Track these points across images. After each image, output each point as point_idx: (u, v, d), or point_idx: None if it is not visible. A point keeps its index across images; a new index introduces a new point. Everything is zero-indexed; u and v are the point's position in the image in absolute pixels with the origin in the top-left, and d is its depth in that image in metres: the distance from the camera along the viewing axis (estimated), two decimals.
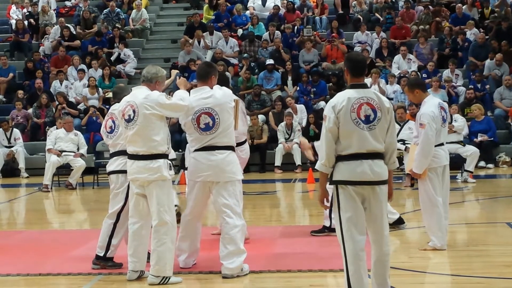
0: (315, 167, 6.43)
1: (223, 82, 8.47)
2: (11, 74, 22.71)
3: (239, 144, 9.13)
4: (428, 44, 22.03)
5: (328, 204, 6.55)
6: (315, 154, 9.23)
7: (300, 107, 19.72)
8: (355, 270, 6.20)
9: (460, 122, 16.07)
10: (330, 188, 6.35)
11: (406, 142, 15.51)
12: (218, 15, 24.73)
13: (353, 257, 6.21)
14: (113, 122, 8.27)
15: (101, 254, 8.26)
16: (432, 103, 8.86)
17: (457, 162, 15.95)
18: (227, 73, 20.95)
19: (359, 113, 6.19)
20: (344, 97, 6.25)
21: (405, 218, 10.91)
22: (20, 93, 21.22)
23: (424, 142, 8.66)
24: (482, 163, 17.70)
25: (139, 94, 7.61)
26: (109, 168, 8.34)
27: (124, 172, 7.90)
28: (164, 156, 7.56)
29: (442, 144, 8.95)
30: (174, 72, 8.45)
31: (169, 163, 7.61)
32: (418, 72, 20.89)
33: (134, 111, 7.53)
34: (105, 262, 8.26)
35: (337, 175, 6.24)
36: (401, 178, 15.76)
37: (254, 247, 9.12)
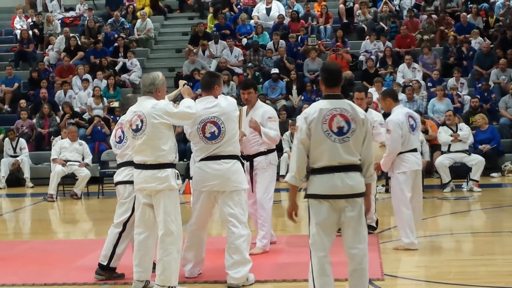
0: (285, 179, 6.38)
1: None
2: (16, 84, 22.74)
3: (271, 151, 9.54)
4: (432, 54, 21.96)
5: (297, 219, 6.41)
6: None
7: None
8: (320, 286, 6.14)
9: (465, 131, 16.04)
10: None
11: None
12: (218, 26, 24.76)
13: (317, 271, 6.14)
14: (122, 132, 8.27)
15: (105, 263, 8.25)
16: (400, 111, 9.67)
17: (462, 171, 15.94)
18: (231, 82, 21.05)
19: (331, 124, 6.10)
20: (316, 108, 6.18)
21: None
22: (23, 102, 21.24)
23: (391, 146, 9.48)
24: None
25: (146, 104, 7.59)
26: (117, 178, 8.34)
27: (132, 182, 7.87)
28: (172, 165, 7.54)
29: (413, 151, 9.67)
30: (182, 82, 8.42)
31: (177, 173, 7.60)
32: (423, 81, 20.89)
33: (142, 121, 7.51)
34: (110, 272, 8.25)
35: (310, 188, 6.18)
36: None
37: (259, 256, 9.12)
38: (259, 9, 25.43)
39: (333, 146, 6.09)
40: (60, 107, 21.24)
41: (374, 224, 10.52)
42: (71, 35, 24.51)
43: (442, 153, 15.99)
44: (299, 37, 23.61)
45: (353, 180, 6.13)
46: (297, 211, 6.32)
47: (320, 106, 6.19)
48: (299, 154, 6.14)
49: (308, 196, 6.19)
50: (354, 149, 6.15)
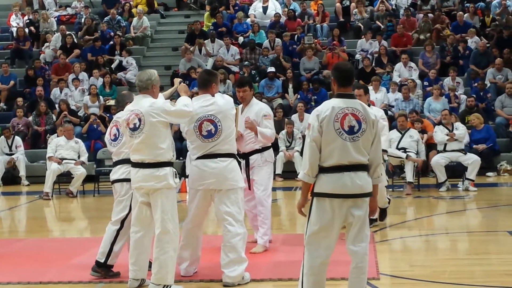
0: (298, 177, 6.37)
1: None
2: (12, 82, 22.73)
3: (266, 148, 9.48)
4: (435, 53, 21.90)
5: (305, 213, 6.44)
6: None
7: (308, 116, 19.63)
8: (308, 284, 6.17)
9: (461, 130, 16.02)
10: None
11: (407, 150, 15.50)
12: (215, 25, 24.76)
13: (308, 270, 6.17)
14: (117, 130, 8.25)
15: (102, 261, 8.24)
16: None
17: (458, 170, 15.95)
18: (228, 81, 21.03)
19: (343, 123, 6.11)
20: (328, 106, 6.18)
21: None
22: (19, 100, 21.20)
23: None
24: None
25: (143, 102, 7.57)
26: (113, 176, 8.31)
27: (128, 180, 7.86)
28: (169, 164, 7.54)
29: None
30: (177, 80, 8.42)
31: (175, 171, 7.60)
32: (419, 80, 20.89)
33: (140, 120, 7.49)
34: (106, 270, 8.24)
35: (318, 187, 6.17)
36: (402, 186, 15.74)
37: (255, 255, 9.12)
38: (256, 8, 25.44)
39: (344, 145, 6.10)
40: (56, 105, 21.22)
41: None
42: (67, 33, 24.49)
43: (438, 152, 15.99)
44: (296, 35, 23.60)
45: (362, 180, 6.15)
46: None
47: (332, 104, 6.19)
48: (311, 151, 6.13)
49: (315, 194, 6.18)
50: (363, 149, 6.16)
